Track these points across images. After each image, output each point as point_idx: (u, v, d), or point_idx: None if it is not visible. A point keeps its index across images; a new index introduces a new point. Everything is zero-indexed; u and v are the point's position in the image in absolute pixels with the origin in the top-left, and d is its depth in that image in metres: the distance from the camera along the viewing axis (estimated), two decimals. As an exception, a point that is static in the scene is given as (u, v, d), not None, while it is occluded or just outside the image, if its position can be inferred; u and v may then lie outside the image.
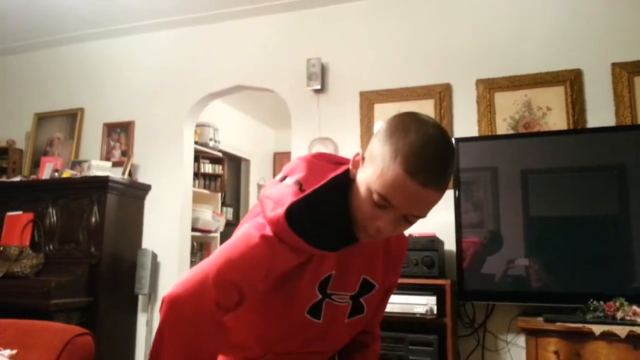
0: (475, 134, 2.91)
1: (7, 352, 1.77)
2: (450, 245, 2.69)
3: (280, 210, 0.92)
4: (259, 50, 3.49)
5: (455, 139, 2.72)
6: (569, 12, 2.87)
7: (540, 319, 2.23)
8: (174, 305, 0.84)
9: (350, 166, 0.99)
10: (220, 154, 4.97)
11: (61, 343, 1.77)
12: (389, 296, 1.26)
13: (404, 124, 0.90)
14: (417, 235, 2.53)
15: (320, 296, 1.03)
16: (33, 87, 4.08)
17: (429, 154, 0.86)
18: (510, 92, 2.92)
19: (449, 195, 2.75)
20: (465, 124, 2.95)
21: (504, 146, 2.73)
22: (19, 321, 1.98)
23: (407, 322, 2.49)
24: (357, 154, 0.98)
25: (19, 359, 1.71)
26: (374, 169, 0.90)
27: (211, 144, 4.79)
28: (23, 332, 1.83)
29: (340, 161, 1.07)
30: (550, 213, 2.57)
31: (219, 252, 0.92)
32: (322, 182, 0.96)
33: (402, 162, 0.86)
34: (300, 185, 0.97)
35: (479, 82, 2.96)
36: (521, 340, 2.50)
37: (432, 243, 2.52)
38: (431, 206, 0.91)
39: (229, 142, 5.32)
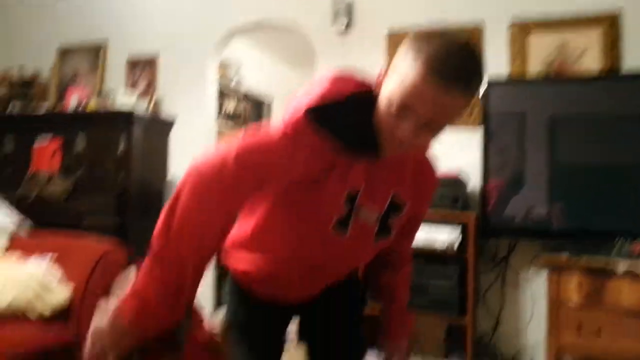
0: (506, 74, 2.83)
1: (49, 255, 1.84)
2: (474, 185, 2.68)
3: (300, 111, 0.93)
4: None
5: (487, 81, 2.65)
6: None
7: (564, 255, 2.24)
8: (196, 171, 0.90)
9: (375, 84, 0.97)
10: (242, 93, 4.94)
11: (97, 254, 1.83)
12: (418, 225, 1.27)
13: (428, 35, 0.89)
14: (442, 174, 2.52)
15: (347, 209, 1.03)
16: (57, 18, 4.04)
17: (452, 57, 0.84)
18: (545, 34, 2.83)
19: (475, 135, 2.73)
20: (496, 63, 2.87)
21: (534, 90, 2.66)
22: (58, 232, 2.05)
23: (430, 255, 2.52)
24: (382, 70, 0.95)
25: (59, 264, 1.77)
26: (395, 78, 0.89)
27: (233, 82, 4.77)
28: (62, 242, 1.90)
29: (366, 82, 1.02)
30: (577, 159, 2.53)
31: (242, 137, 0.94)
32: (346, 94, 0.94)
33: (422, 64, 0.84)
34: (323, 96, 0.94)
35: (513, 24, 2.86)
36: (542, 277, 2.52)
37: (457, 180, 2.51)
38: (453, 113, 0.88)
39: (252, 81, 5.28)
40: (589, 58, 2.74)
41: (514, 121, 2.64)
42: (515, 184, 2.57)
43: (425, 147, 1.08)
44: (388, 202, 1.08)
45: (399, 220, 1.12)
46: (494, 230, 2.52)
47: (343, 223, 1.04)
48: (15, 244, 2.06)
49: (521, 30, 2.85)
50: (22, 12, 4.19)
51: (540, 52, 2.83)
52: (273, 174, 0.95)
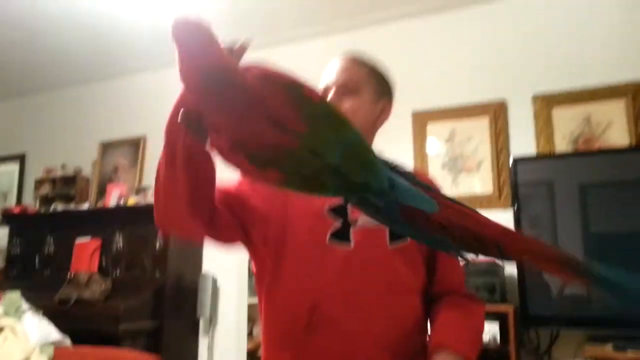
0: (533, 151, 2.84)
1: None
2: (511, 269, 2.63)
3: None
4: (309, 72, 3.53)
5: (514, 159, 2.66)
6: (626, 20, 2.77)
7: (609, 346, 2.15)
8: None
9: None
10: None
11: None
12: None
13: None
14: (476, 260, 2.49)
15: (341, 221, 1.03)
16: (98, 117, 4.29)
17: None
18: (569, 108, 2.84)
19: (507, 215, 2.71)
20: (522, 141, 2.89)
21: (564, 164, 2.66)
22: (95, 350, 2.10)
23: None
24: None
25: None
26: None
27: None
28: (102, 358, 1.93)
29: None
30: (611, 229, 2.47)
31: None
32: None
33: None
34: None
35: (536, 97, 2.89)
36: (590, 368, 2.41)
37: (493, 267, 2.47)
38: (347, 70, 1.15)
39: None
40: (615, 130, 2.73)
41: (543, 197, 2.62)
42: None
43: (347, 112, 1.10)
44: None
45: None
46: (534, 320, 2.44)
47: (342, 235, 1.03)
48: (59, 359, 2.12)
49: (544, 105, 2.87)
50: (63, 111, 4.47)
51: (566, 126, 2.83)
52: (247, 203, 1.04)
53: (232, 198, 1.05)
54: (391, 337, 1.01)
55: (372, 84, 1.16)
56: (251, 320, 4.12)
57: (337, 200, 1.03)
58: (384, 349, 1.00)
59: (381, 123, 1.21)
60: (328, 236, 1.02)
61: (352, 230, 1.03)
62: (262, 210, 1.05)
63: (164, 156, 0.90)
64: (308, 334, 1.00)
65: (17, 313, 2.25)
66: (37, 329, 2.21)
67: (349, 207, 1.03)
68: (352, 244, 1.02)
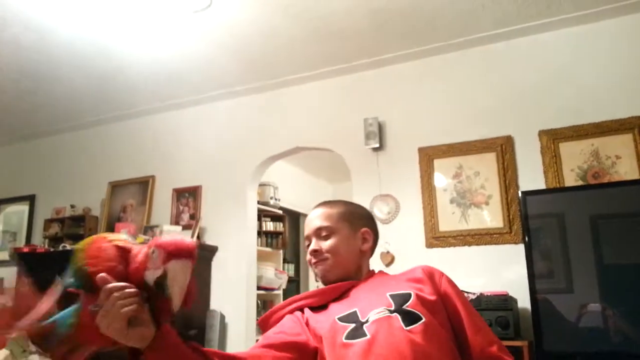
0: (541, 185, 2.84)
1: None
2: (523, 302, 2.59)
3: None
4: (315, 113, 3.60)
5: (522, 192, 2.66)
6: (630, 56, 2.82)
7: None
8: None
9: None
10: (280, 212, 5.06)
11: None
12: (465, 309, 1.16)
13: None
14: (489, 294, 2.46)
15: (353, 324, 1.09)
16: (107, 158, 4.35)
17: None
18: (576, 142, 2.86)
19: (519, 249, 2.68)
20: (530, 175, 2.90)
21: (573, 197, 2.65)
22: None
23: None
24: None
25: None
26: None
27: (272, 202, 4.90)
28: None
29: None
30: (625, 260, 2.44)
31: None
32: None
33: None
34: None
35: (542, 132, 2.91)
36: (611, 406, 2.33)
37: (506, 302, 2.43)
38: (318, 218, 1.32)
39: (288, 198, 5.42)
40: (624, 163, 2.73)
41: (554, 229, 2.60)
42: (565, 294, 2.48)
43: (329, 250, 1.29)
44: (391, 298, 1.13)
45: (417, 305, 1.10)
46: (549, 355, 2.38)
47: (357, 333, 1.07)
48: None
49: (551, 140, 2.89)
50: (73, 153, 4.54)
51: (574, 160, 2.84)
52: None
53: (288, 345, 1.13)
54: None
55: (344, 221, 1.32)
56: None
57: (346, 313, 1.13)
58: None
59: (369, 248, 1.35)
60: (344, 336, 1.08)
61: (365, 327, 1.08)
62: (307, 339, 1.15)
63: None
64: None
65: (24, 354, 2.22)
66: (44, 369, 2.18)
67: (358, 311, 1.13)
68: (369, 334, 1.05)
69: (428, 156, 3.19)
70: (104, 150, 4.39)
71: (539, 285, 2.46)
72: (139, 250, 0.90)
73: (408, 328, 1.05)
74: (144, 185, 4.08)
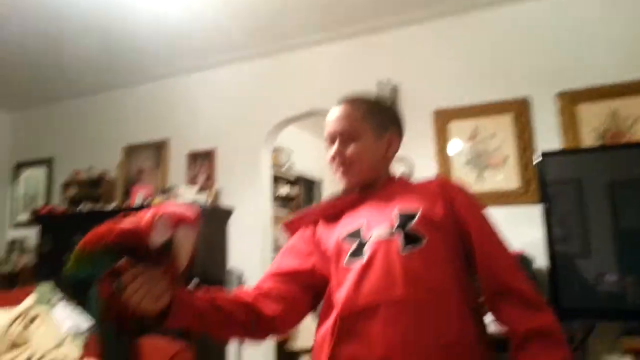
0: (558, 147, 2.82)
1: None
2: (540, 263, 2.61)
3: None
4: (329, 76, 3.58)
5: (542, 153, 2.64)
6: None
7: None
8: None
9: None
10: (294, 177, 5.10)
11: (167, 355, 1.88)
12: (483, 238, 1.12)
13: None
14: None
15: (355, 244, 1.12)
16: (122, 122, 4.38)
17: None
18: (594, 104, 2.82)
19: (535, 210, 2.68)
20: (548, 137, 2.87)
21: (592, 159, 2.63)
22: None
23: (503, 344, 2.41)
24: None
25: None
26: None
27: (286, 166, 4.93)
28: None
29: None
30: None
31: None
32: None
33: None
34: None
35: (560, 94, 2.88)
36: (625, 361, 2.36)
37: (522, 261, 2.45)
38: (341, 120, 1.22)
39: (302, 165, 5.44)
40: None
41: (572, 192, 2.59)
42: (582, 257, 2.48)
43: (352, 157, 1.22)
44: (397, 216, 1.12)
45: (420, 225, 1.09)
46: (566, 313, 2.41)
47: (357, 252, 1.11)
48: (91, 348, 2.15)
49: (569, 101, 2.86)
50: (89, 117, 4.57)
51: (592, 121, 2.81)
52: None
53: (293, 275, 1.20)
54: (418, 340, 1.00)
55: (370, 124, 1.22)
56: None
57: (351, 229, 1.15)
58: (412, 353, 1.00)
59: (393, 154, 1.28)
60: (347, 257, 1.12)
61: (365, 247, 1.10)
62: (315, 263, 1.21)
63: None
64: (339, 346, 1.06)
65: (50, 302, 2.29)
66: (69, 319, 2.25)
67: (363, 228, 1.13)
68: (365, 257, 1.08)
69: (443, 118, 3.17)
70: (119, 114, 4.42)
71: (556, 245, 2.47)
72: (144, 214, 0.94)
73: (405, 251, 1.07)
74: (159, 148, 4.11)
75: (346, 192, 1.28)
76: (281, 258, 1.25)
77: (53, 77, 4.27)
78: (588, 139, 2.80)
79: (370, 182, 1.24)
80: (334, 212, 1.24)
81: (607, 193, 2.48)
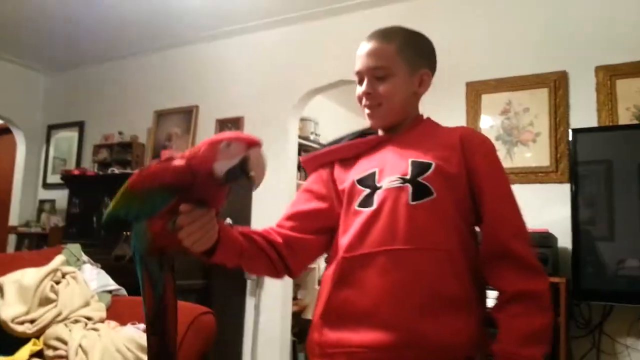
0: (594, 124, 2.73)
1: (142, 326, 1.96)
2: (564, 242, 2.56)
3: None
4: (359, 45, 3.50)
5: (573, 129, 2.56)
6: None
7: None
8: None
9: None
10: (320, 148, 5.07)
11: (188, 319, 1.93)
12: (487, 186, 1.08)
13: None
14: (530, 231, 2.42)
15: (367, 190, 1.10)
16: (152, 87, 4.42)
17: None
18: (634, 79, 2.70)
19: (564, 189, 2.62)
20: (583, 113, 2.77)
21: (625, 137, 2.54)
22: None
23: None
24: None
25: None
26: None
27: (312, 137, 4.91)
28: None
29: None
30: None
31: None
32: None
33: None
34: None
35: (599, 68, 2.76)
36: (645, 345, 2.33)
37: (546, 239, 2.41)
38: (373, 55, 1.14)
39: (329, 135, 5.41)
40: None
41: (602, 172, 2.52)
42: (606, 240, 2.43)
43: (384, 96, 1.15)
44: (411, 165, 1.08)
45: (432, 178, 1.05)
46: (586, 293, 2.37)
47: (368, 200, 1.09)
48: (114, 309, 2.22)
49: (608, 76, 2.75)
50: (121, 82, 4.62)
51: (630, 98, 2.70)
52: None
53: (312, 215, 1.20)
54: (410, 291, 1.00)
55: (403, 60, 1.14)
56: (296, 285, 4.19)
57: (366, 174, 1.13)
58: (402, 303, 1.00)
59: (423, 92, 1.20)
60: (357, 201, 1.10)
61: (376, 194, 1.08)
62: (332, 203, 1.19)
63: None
64: (336, 290, 1.07)
65: (77, 263, 2.37)
66: (95, 278, 2.32)
67: (377, 174, 1.11)
68: (375, 205, 1.06)
69: (476, 91, 3.09)
70: (149, 80, 4.45)
71: (582, 226, 2.42)
72: (196, 149, 0.95)
73: (414, 203, 1.04)
74: (188, 114, 4.14)
75: (368, 131, 1.25)
76: (300, 198, 1.24)
77: (86, 41, 4.31)
78: (625, 117, 2.69)
79: (398, 124, 1.19)
80: (352, 154, 1.21)
81: (638, 176, 2.40)
